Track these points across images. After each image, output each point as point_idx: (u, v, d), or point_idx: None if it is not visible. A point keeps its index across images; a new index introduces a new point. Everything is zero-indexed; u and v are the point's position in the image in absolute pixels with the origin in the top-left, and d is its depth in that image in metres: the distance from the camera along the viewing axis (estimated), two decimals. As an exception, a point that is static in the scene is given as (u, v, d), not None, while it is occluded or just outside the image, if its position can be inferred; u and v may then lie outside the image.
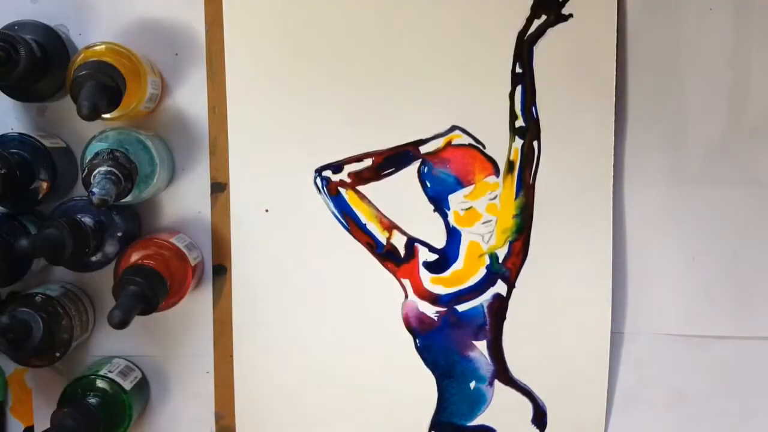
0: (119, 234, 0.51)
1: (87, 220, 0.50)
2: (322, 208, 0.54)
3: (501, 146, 0.54)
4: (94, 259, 0.51)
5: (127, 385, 0.52)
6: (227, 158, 0.54)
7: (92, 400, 0.50)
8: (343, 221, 0.54)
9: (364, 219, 0.54)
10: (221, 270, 0.55)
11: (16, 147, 0.49)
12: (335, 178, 0.54)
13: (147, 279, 0.47)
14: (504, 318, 0.55)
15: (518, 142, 0.54)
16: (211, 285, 0.55)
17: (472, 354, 0.55)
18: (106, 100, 0.45)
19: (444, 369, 0.55)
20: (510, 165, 0.54)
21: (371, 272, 0.55)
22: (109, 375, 0.52)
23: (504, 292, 0.55)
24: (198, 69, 0.54)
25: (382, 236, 0.54)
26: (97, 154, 0.48)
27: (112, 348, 0.55)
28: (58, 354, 0.51)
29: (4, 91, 0.51)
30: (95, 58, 0.47)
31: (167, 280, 0.49)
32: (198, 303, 0.55)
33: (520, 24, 0.53)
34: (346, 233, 0.54)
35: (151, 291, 0.47)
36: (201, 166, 0.54)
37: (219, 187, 0.54)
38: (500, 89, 0.54)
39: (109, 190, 0.45)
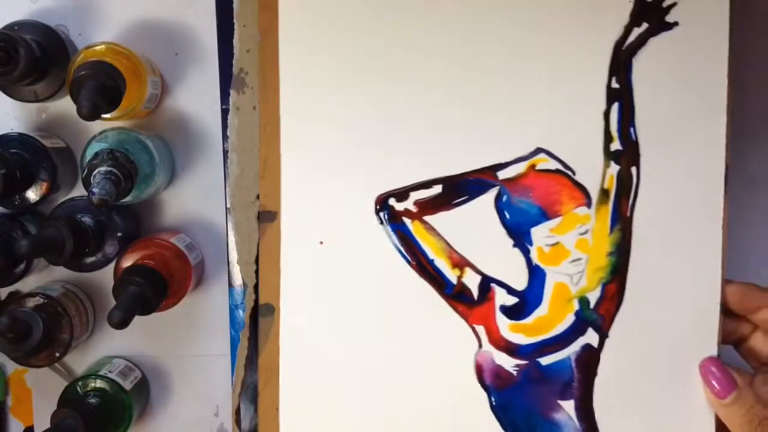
0: (119, 234, 0.51)
1: (87, 220, 0.50)
2: (383, 240, 0.47)
3: (593, 172, 0.47)
4: (94, 259, 0.51)
5: (127, 385, 0.52)
6: (279, 184, 0.47)
7: (92, 400, 0.50)
8: (407, 256, 0.47)
9: (431, 254, 0.47)
10: (269, 310, 0.48)
11: (16, 147, 0.49)
12: (399, 206, 0.47)
13: (147, 279, 0.47)
14: (595, 374, 0.47)
15: (614, 168, 0.47)
16: (209, 285, 0.55)
17: (557, 416, 0.48)
18: (106, 100, 0.46)
19: None
20: (604, 194, 0.47)
21: (439, 316, 0.47)
22: (109, 375, 0.52)
23: (595, 343, 0.47)
24: (198, 69, 0.54)
25: (452, 274, 0.47)
26: (97, 154, 0.48)
27: (112, 348, 0.55)
28: (58, 354, 0.51)
29: (4, 91, 0.51)
30: (95, 58, 0.47)
31: (167, 280, 0.49)
32: (198, 303, 0.55)
33: (618, 33, 0.46)
34: (411, 270, 0.47)
35: (151, 291, 0.47)
36: (201, 165, 0.54)
37: (269, 216, 0.47)
38: (593, 107, 0.47)
39: (109, 190, 0.45)
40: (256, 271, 0.51)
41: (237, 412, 0.52)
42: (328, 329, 0.47)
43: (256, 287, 0.51)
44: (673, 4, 0.46)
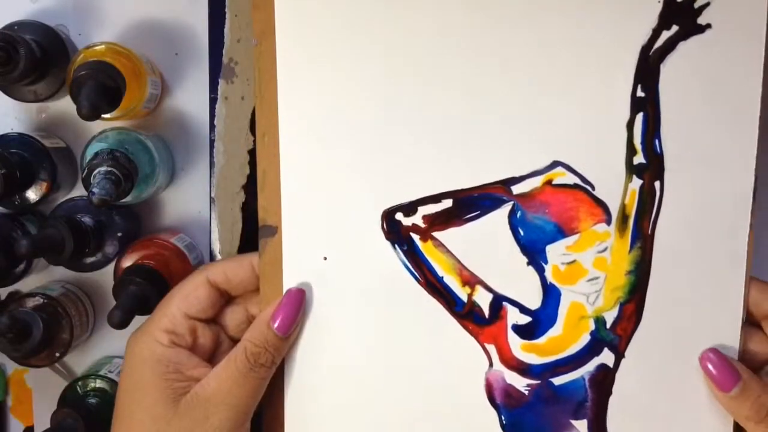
0: (119, 234, 0.51)
1: (87, 220, 0.50)
2: (390, 256, 0.45)
3: (614, 187, 0.44)
4: (94, 259, 0.51)
5: (127, 385, 0.52)
6: (279, 197, 0.45)
7: (92, 400, 0.50)
8: (415, 273, 0.45)
9: (440, 271, 0.45)
10: None
11: (16, 147, 0.49)
12: (407, 221, 0.45)
13: (147, 279, 0.47)
14: (609, 393, 0.45)
15: (636, 183, 0.44)
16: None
17: None
18: (106, 100, 0.45)
19: None
20: (624, 211, 0.44)
21: (448, 334, 0.45)
22: (109, 375, 0.52)
23: (611, 363, 0.45)
24: (198, 69, 0.54)
25: (462, 292, 0.45)
26: (97, 154, 0.48)
27: (112, 348, 0.55)
28: (58, 354, 0.51)
29: (4, 91, 0.51)
30: (95, 58, 0.47)
31: (167, 280, 0.49)
32: (198, 303, 0.55)
33: (645, 37, 0.43)
34: (419, 287, 0.45)
35: (151, 291, 0.47)
36: (201, 165, 0.54)
37: (269, 231, 0.45)
38: (616, 117, 0.43)
39: (109, 190, 0.45)
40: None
41: None
42: (333, 348, 0.45)
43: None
44: (706, 5, 0.43)
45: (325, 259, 0.45)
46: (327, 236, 0.45)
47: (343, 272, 0.45)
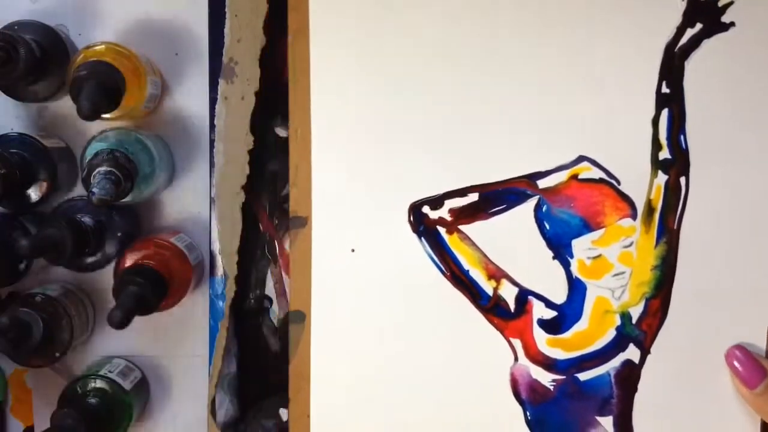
0: (119, 234, 0.51)
1: (87, 220, 0.50)
2: (417, 249, 0.46)
3: (640, 182, 0.45)
4: (94, 259, 0.51)
5: (127, 385, 0.52)
6: (310, 189, 0.46)
7: (92, 400, 0.50)
8: (441, 266, 0.46)
9: (466, 264, 0.46)
10: (300, 317, 0.48)
11: (16, 147, 0.49)
12: (433, 215, 0.46)
13: (147, 279, 0.47)
14: (635, 390, 0.46)
15: (661, 178, 0.45)
16: (207, 285, 0.55)
17: None
18: (106, 100, 0.46)
19: None
20: (650, 206, 0.45)
21: (473, 328, 0.46)
22: (109, 375, 0.52)
23: (636, 359, 0.46)
24: (198, 69, 0.54)
25: (487, 286, 0.46)
26: (97, 154, 0.48)
27: (112, 348, 0.55)
28: (58, 354, 0.51)
29: (4, 91, 0.51)
30: (95, 58, 0.47)
31: (167, 280, 0.49)
32: (198, 303, 0.55)
33: (669, 34, 0.44)
34: (445, 280, 0.46)
35: (151, 291, 0.47)
36: (201, 165, 0.54)
37: (299, 222, 0.47)
38: (641, 113, 0.44)
39: (109, 190, 0.45)
40: (238, 263, 0.51)
41: (212, 403, 0.53)
42: (359, 338, 0.46)
43: (236, 278, 0.51)
44: (730, 3, 0.44)
45: (353, 251, 0.46)
46: (355, 228, 0.46)
47: (370, 264, 0.46)
